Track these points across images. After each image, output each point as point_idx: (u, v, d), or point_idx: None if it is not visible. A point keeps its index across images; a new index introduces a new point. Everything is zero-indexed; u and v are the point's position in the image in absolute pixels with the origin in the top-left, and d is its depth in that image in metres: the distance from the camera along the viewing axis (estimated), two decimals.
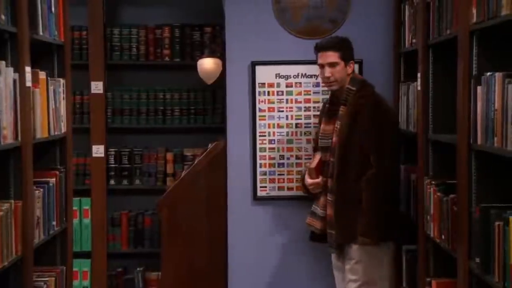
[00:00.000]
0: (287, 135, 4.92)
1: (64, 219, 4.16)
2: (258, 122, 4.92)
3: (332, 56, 4.22)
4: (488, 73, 3.05)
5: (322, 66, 4.25)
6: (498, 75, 2.93)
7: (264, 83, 4.92)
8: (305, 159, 4.85)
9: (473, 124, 3.25)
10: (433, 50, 4.06)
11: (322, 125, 4.34)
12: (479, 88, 3.16)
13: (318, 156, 4.34)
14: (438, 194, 3.81)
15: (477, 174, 3.28)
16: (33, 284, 3.55)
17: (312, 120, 4.85)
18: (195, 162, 5.30)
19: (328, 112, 4.33)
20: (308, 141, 4.87)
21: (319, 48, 4.28)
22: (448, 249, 3.67)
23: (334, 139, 4.19)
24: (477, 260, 3.19)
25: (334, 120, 4.24)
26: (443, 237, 3.75)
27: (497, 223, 2.93)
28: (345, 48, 4.27)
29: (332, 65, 4.21)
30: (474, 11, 3.22)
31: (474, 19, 3.22)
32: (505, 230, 2.84)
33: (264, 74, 4.91)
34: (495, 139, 2.96)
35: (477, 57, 3.27)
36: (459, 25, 3.42)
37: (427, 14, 4.07)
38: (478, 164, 3.27)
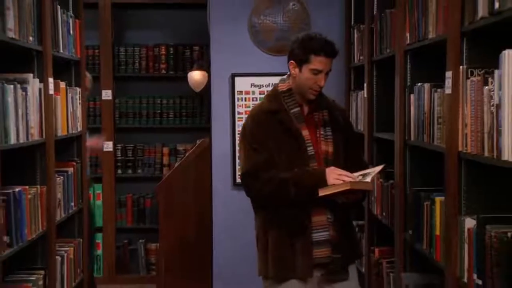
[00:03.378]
0: None
1: (81, 200, 4.15)
2: (237, 122, 4.92)
3: (331, 64, 2.89)
4: (419, 84, 3.08)
5: (318, 72, 2.83)
6: (427, 85, 2.97)
7: (242, 91, 4.93)
8: None
9: (408, 124, 3.27)
10: (376, 65, 4.09)
11: (303, 131, 2.90)
12: (412, 96, 3.19)
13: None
14: (380, 180, 3.83)
15: (410, 164, 3.31)
16: (56, 253, 3.55)
17: None
18: (186, 155, 5.30)
19: (301, 115, 2.94)
20: None
21: (332, 54, 2.85)
22: (387, 224, 3.70)
23: (323, 147, 2.90)
24: (410, 232, 3.22)
25: (310, 125, 2.94)
26: (384, 214, 3.78)
27: (425, 203, 2.96)
28: None
29: (328, 73, 2.89)
30: (408, 34, 3.25)
31: (408, 41, 3.26)
32: (432, 209, 2.88)
33: (241, 83, 4.92)
34: (425, 136, 2.99)
35: (410, 71, 3.30)
36: (396, 46, 3.45)
37: (371, 37, 4.10)
38: (411, 156, 3.30)
